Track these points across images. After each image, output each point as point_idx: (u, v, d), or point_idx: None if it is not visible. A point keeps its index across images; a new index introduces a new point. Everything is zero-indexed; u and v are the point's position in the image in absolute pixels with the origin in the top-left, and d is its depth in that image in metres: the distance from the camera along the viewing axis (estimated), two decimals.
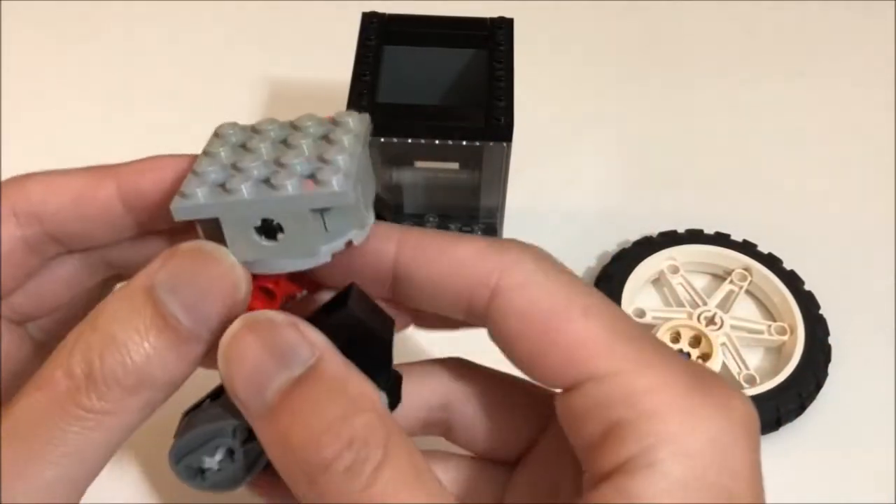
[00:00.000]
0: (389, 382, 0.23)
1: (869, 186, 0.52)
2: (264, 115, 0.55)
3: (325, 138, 0.22)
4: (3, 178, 0.24)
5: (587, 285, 0.22)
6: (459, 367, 0.27)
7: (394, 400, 0.23)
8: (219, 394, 0.23)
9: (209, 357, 0.21)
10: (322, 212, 0.21)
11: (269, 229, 0.21)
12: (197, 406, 0.24)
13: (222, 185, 0.21)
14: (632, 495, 0.18)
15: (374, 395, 0.20)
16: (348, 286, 0.23)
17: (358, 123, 0.22)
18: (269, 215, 0.20)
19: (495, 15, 0.42)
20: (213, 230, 0.21)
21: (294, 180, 0.20)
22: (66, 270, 0.26)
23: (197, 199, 0.20)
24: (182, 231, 0.22)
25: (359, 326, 0.22)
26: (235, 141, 0.23)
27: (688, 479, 0.18)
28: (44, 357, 0.23)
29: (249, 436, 0.22)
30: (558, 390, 0.22)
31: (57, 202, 0.23)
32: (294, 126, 0.23)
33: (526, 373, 0.22)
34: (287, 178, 0.20)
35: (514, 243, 0.23)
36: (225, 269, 0.21)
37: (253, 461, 0.23)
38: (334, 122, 0.23)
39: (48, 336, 0.27)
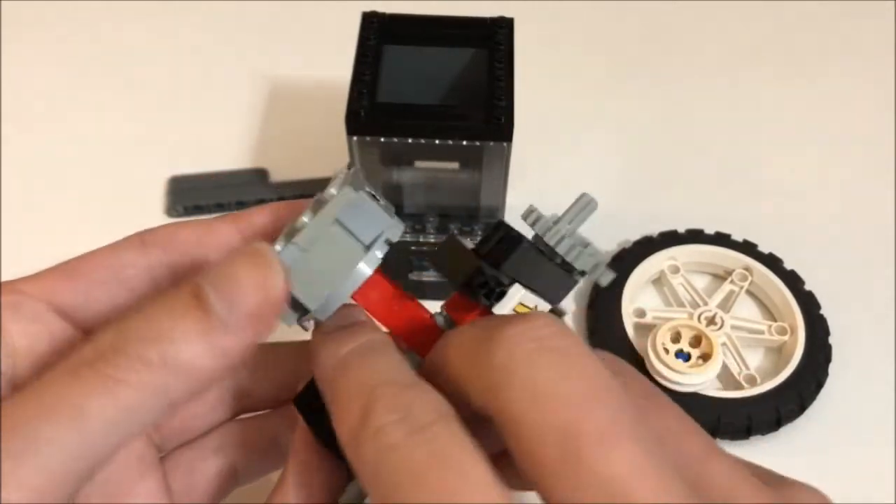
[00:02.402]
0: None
1: (869, 187, 0.52)
2: (265, 114, 0.55)
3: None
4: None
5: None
6: None
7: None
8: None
9: None
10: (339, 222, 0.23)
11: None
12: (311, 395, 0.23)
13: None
14: None
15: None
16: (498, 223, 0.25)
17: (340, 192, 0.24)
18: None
19: (495, 15, 0.42)
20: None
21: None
22: None
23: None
24: None
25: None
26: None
27: None
28: None
29: None
30: None
31: (181, 237, 0.26)
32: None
33: None
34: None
35: None
36: (265, 267, 0.21)
37: None
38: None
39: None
